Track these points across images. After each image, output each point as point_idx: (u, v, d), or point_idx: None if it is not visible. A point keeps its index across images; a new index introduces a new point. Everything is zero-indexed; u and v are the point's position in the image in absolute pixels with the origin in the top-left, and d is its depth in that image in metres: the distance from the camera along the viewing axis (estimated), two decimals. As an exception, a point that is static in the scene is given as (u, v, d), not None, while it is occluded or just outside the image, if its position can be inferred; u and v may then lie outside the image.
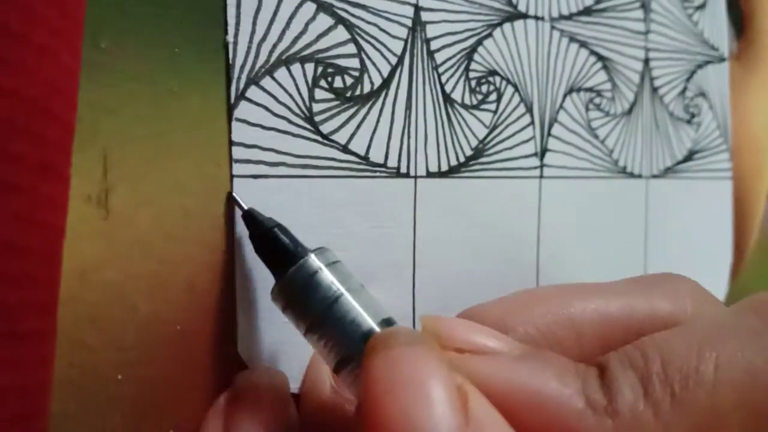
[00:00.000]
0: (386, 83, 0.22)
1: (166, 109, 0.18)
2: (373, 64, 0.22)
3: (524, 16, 0.26)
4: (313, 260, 0.17)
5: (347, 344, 0.17)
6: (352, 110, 0.21)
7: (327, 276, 0.17)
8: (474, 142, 0.24)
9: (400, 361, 0.15)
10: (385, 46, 0.22)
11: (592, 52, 0.28)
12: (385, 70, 0.22)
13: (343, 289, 0.17)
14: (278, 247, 0.18)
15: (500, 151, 0.25)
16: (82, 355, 0.16)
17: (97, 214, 0.17)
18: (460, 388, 0.14)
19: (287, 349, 0.20)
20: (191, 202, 0.18)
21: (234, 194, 0.19)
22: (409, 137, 0.23)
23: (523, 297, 0.19)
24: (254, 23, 0.19)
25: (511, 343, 0.16)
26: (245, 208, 0.19)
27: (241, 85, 0.19)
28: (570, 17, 0.27)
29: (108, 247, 0.17)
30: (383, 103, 0.22)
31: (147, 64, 0.17)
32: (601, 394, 0.15)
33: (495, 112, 0.25)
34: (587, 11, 0.28)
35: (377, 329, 0.17)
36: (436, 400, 0.14)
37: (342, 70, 0.21)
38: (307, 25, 0.20)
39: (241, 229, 0.19)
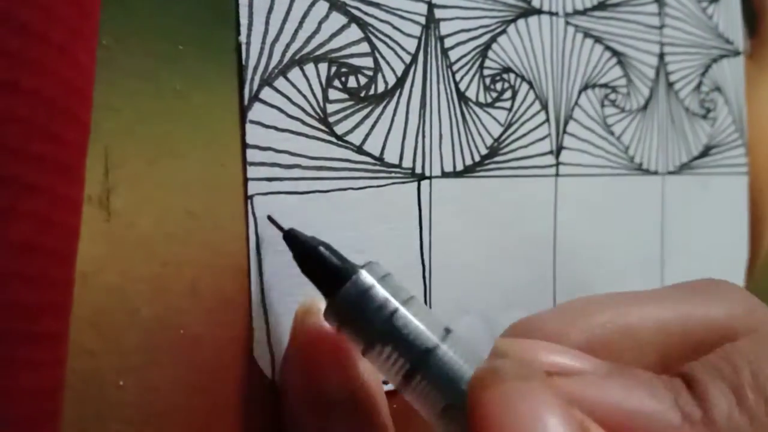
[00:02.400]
0: (400, 82, 0.22)
1: (170, 107, 0.17)
2: (387, 63, 0.21)
3: (538, 11, 0.25)
4: (365, 276, 0.17)
5: (412, 357, 0.16)
6: (366, 110, 0.21)
7: (380, 291, 0.17)
8: (489, 141, 0.24)
9: (516, 398, 0.14)
10: (398, 45, 0.22)
11: (607, 48, 0.28)
12: (399, 68, 0.22)
13: (397, 303, 0.17)
14: (326, 267, 0.17)
15: (515, 150, 0.25)
16: (83, 360, 0.16)
17: (98, 215, 0.16)
18: (582, 426, 0.14)
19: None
20: (195, 202, 0.18)
21: (271, 216, 0.19)
22: (423, 137, 0.22)
23: (579, 306, 0.18)
24: (267, 23, 0.19)
25: (595, 361, 0.16)
26: (285, 229, 0.18)
27: (255, 87, 0.19)
28: (584, 12, 0.27)
29: (109, 249, 0.16)
30: (397, 103, 0.22)
31: (150, 61, 0.17)
32: (695, 406, 0.15)
33: (510, 109, 0.25)
34: (601, 6, 0.28)
35: (438, 341, 0.16)
36: None
37: (356, 70, 0.21)
38: (320, 24, 0.20)
39: (261, 232, 0.19)
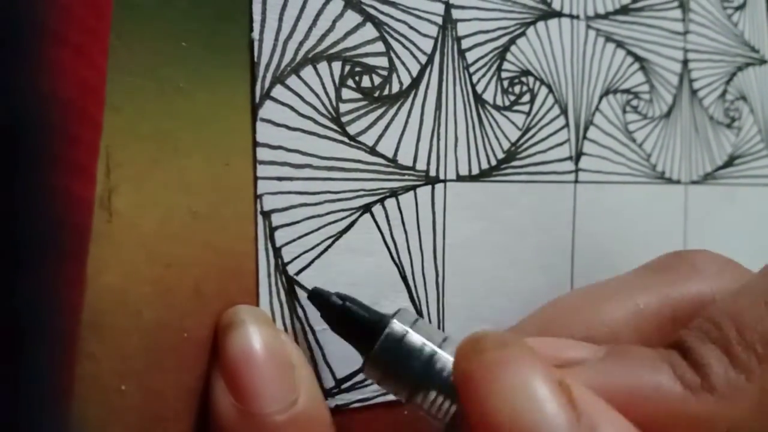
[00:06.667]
0: (415, 83, 0.21)
1: (173, 105, 0.17)
2: (402, 63, 0.21)
3: (559, 14, 0.25)
4: (398, 326, 0.17)
5: (457, 397, 0.16)
6: (379, 111, 0.20)
7: (415, 338, 0.17)
8: (506, 145, 0.23)
9: (496, 365, 0.15)
10: (414, 45, 0.21)
11: (629, 53, 0.27)
12: (415, 69, 0.21)
13: (434, 346, 0.17)
14: (357, 322, 0.18)
15: (533, 155, 0.24)
16: (84, 364, 0.15)
17: (99, 216, 0.16)
18: (561, 383, 0.15)
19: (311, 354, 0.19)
20: (198, 202, 0.17)
21: (295, 276, 0.19)
22: (438, 139, 0.22)
23: (554, 311, 0.19)
24: (280, 20, 0.19)
25: (590, 346, 0.17)
26: (309, 289, 0.19)
27: (266, 84, 0.18)
28: (606, 16, 0.26)
29: (111, 251, 0.16)
30: (412, 104, 0.21)
31: (152, 58, 0.17)
32: (692, 373, 0.16)
33: (528, 113, 0.24)
34: (624, 10, 0.27)
35: None
36: (543, 400, 0.14)
37: (370, 69, 0.20)
38: (334, 22, 0.19)
39: (263, 233, 0.18)
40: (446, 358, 0.17)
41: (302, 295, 0.19)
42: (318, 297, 0.18)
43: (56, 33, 0.13)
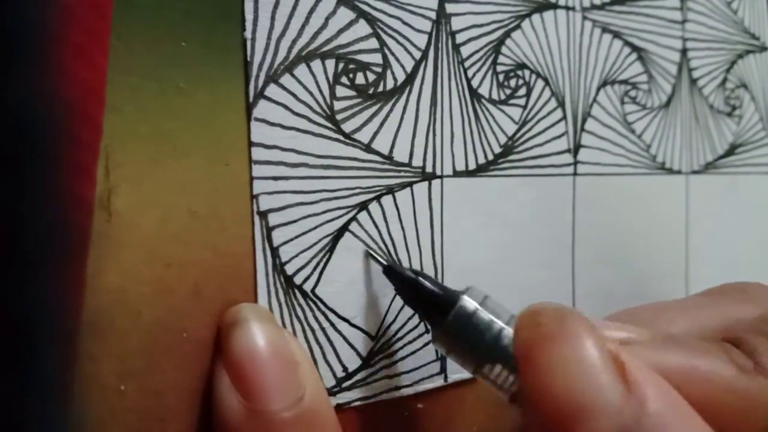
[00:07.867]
0: (410, 79, 0.21)
1: (172, 105, 0.17)
2: (397, 59, 0.21)
3: (554, 6, 0.25)
4: (468, 302, 0.18)
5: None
6: (374, 108, 0.20)
7: (484, 314, 0.18)
8: (503, 139, 0.23)
9: (553, 337, 0.16)
10: (408, 40, 0.21)
11: (627, 43, 0.27)
12: (409, 65, 0.21)
13: (501, 323, 0.18)
14: (428, 296, 0.18)
15: (531, 148, 0.24)
16: (83, 364, 0.15)
17: (99, 216, 0.16)
18: (615, 357, 0.15)
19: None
20: (198, 203, 0.17)
21: (369, 251, 0.20)
22: (434, 135, 0.22)
23: (626, 316, 0.21)
24: (272, 18, 0.19)
25: (651, 332, 0.18)
26: (385, 263, 0.19)
27: (260, 83, 0.18)
28: (602, 7, 0.26)
29: (110, 251, 0.16)
30: (407, 100, 0.21)
31: (152, 58, 0.17)
32: (745, 358, 0.17)
33: (525, 107, 0.24)
34: (620, 0, 0.27)
35: None
36: (596, 371, 0.15)
37: (364, 66, 0.20)
38: (327, 19, 0.19)
39: (260, 233, 0.18)
40: (512, 335, 0.17)
41: (301, 293, 0.19)
42: (393, 271, 0.19)
43: (57, 33, 0.13)
